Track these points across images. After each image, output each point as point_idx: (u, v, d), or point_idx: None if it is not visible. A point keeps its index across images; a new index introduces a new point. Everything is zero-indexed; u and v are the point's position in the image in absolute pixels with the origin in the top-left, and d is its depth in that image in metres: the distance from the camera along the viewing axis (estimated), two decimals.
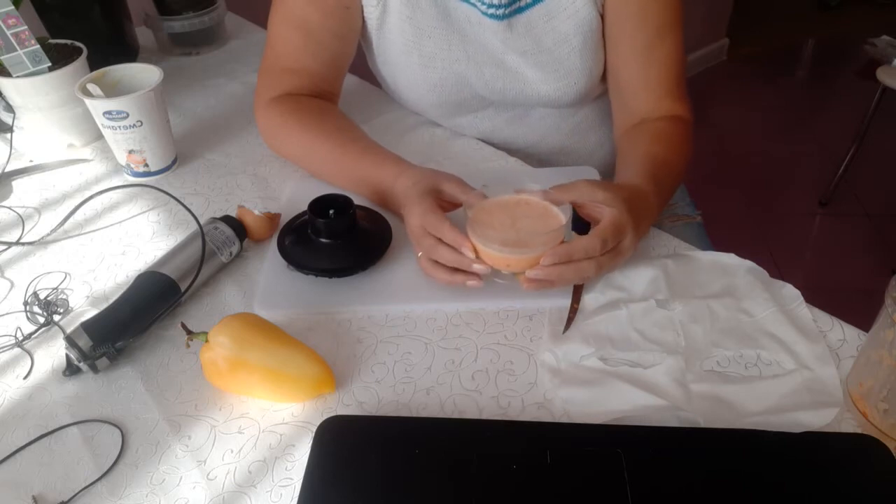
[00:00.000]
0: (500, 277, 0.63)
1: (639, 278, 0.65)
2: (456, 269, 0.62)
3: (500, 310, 0.64)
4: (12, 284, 0.72)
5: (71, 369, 0.60)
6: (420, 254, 0.64)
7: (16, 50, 0.83)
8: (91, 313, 0.63)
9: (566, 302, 0.63)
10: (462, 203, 0.64)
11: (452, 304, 0.64)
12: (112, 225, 0.79)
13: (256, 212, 0.72)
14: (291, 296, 0.66)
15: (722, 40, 3.07)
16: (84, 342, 0.58)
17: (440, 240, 0.62)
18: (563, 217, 0.61)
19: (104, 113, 0.80)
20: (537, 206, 0.63)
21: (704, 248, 0.69)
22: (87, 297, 0.69)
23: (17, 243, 0.77)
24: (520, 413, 0.55)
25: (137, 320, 0.62)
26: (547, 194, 0.62)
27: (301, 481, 0.48)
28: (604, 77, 0.83)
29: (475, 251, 0.60)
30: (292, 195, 0.81)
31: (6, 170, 0.89)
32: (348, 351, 0.61)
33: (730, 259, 0.67)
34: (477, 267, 0.60)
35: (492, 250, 0.59)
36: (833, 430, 0.52)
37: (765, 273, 0.65)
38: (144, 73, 0.85)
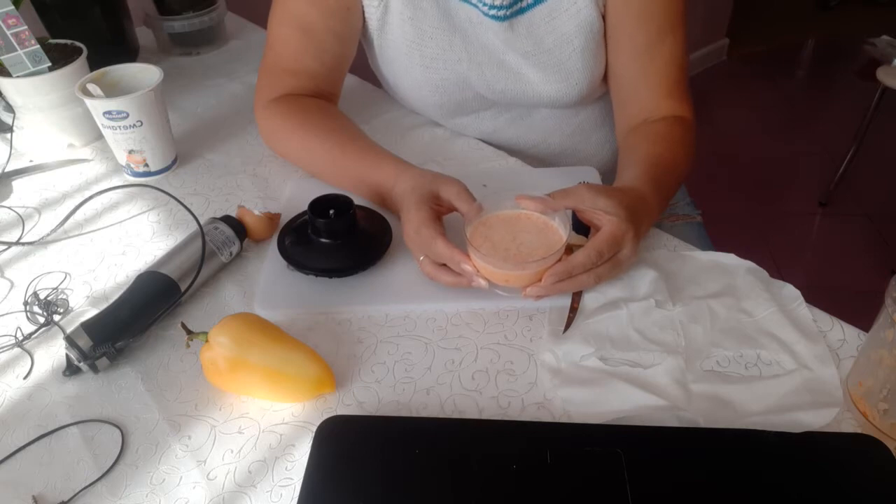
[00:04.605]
0: (500, 290, 0.63)
1: (639, 278, 0.65)
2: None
3: (500, 310, 0.64)
4: (12, 284, 0.72)
5: (71, 369, 0.60)
6: (422, 258, 0.64)
7: (16, 50, 0.83)
8: (91, 313, 0.63)
9: (566, 302, 0.63)
10: (459, 211, 0.64)
11: (452, 304, 0.64)
12: (112, 225, 0.79)
13: (256, 212, 0.72)
14: (291, 296, 0.66)
15: (722, 40, 3.07)
16: (84, 342, 0.58)
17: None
18: (563, 232, 0.61)
19: (104, 113, 0.80)
20: (538, 221, 0.63)
21: (704, 248, 0.69)
22: (87, 297, 0.69)
23: (17, 243, 0.77)
24: (520, 413, 0.55)
25: (137, 320, 0.62)
26: (546, 202, 0.62)
27: (301, 481, 0.48)
28: (605, 78, 0.83)
29: (474, 265, 0.60)
30: (292, 195, 0.81)
31: (6, 170, 0.89)
32: (348, 351, 0.61)
33: (730, 259, 0.67)
34: (477, 281, 0.61)
35: (492, 267, 0.59)
36: (833, 430, 0.52)
37: (765, 273, 0.65)
38: (144, 73, 0.85)
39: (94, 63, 0.88)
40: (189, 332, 0.56)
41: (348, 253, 0.67)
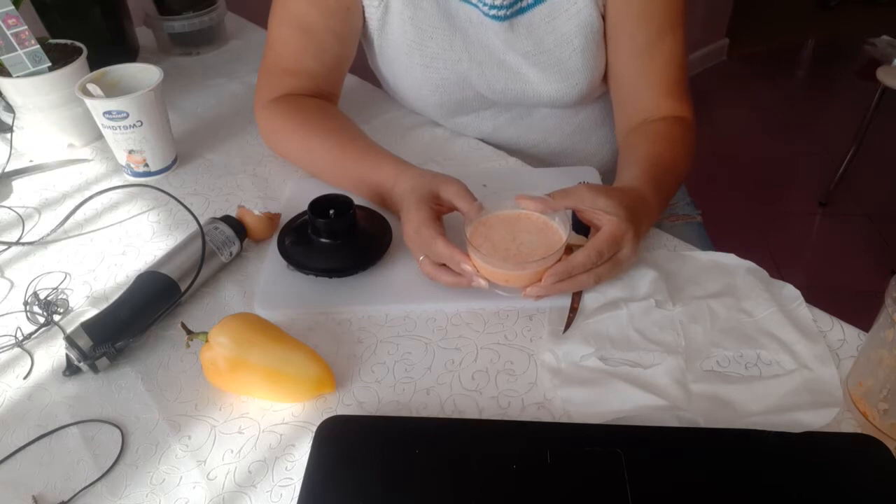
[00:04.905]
0: (500, 289, 0.63)
1: (639, 278, 0.65)
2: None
3: (500, 310, 0.64)
4: (12, 284, 0.72)
5: (71, 369, 0.60)
6: (422, 258, 0.64)
7: (16, 50, 0.83)
8: (91, 313, 0.63)
9: (566, 302, 0.63)
10: (460, 210, 0.64)
11: (452, 304, 0.64)
12: (112, 225, 0.79)
13: (256, 212, 0.72)
14: (291, 296, 0.66)
15: (722, 40, 3.07)
16: (84, 342, 0.58)
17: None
18: (562, 232, 0.61)
19: (104, 113, 0.80)
20: (538, 221, 0.63)
21: (704, 248, 0.69)
22: (87, 297, 0.69)
23: (17, 243, 0.77)
24: (520, 413, 0.55)
25: (137, 320, 0.62)
26: (546, 202, 0.62)
27: (301, 481, 0.48)
28: (605, 78, 0.83)
29: (474, 265, 0.60)
30: (292, 195, 0.81)
31: (6, 170, 0.89)
32: (348, 351, 0.61)
33: (729, 259, 0.67)
34: (477, 281, 0.61)
35: (492, 267, 0.59)
36: (833, 430, 0.52)
37: (765, 273, 0.65)
38: (144, 73, 0.85)
39: (94, 63, 0.88)
40: (189, 332, 0.56)
41: (348, 253, 0.67)
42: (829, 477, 0.47)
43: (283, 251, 0.68)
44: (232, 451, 0.54)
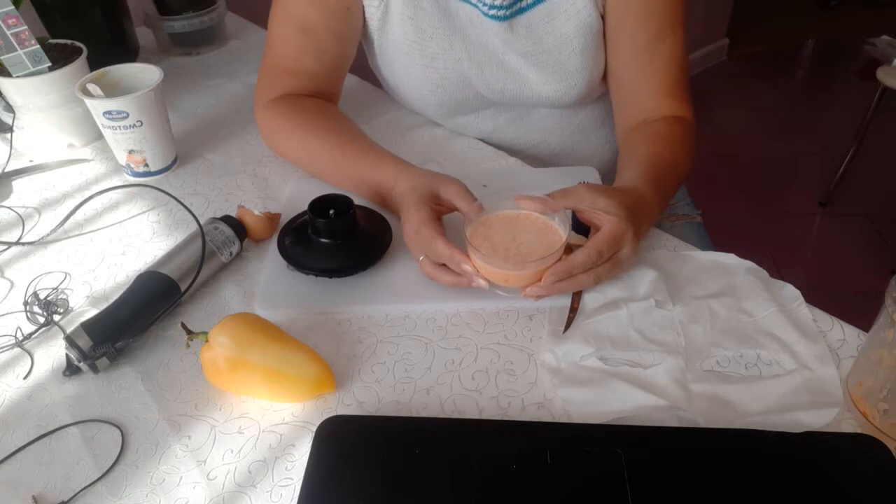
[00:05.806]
0: (500, 289, 0.63)
1: (639, 278, 0.65)
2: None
3: (500, 310, 0.64)
4: (12, 284, 0.72)
5: (71, 369, 0.60)
6: (422, 258, 0.64)
7: (16, 50, 0.83)
8: (91, 313, 0.63)
9: (566, 302, 0.63)
10: (460, 210, 0.64)
11: (452, 304, 0.64)
12: (112, 225, 0.79)
13: (256, 212, 0.72)
14: (291, 296, 0.66)
15: (722, 40, 3.07)
16: (84, 342, 0.58)
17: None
18: (562, 232, 0.61)
19: (104, 113, 0.80)
20: (537, 221, 0.63)
21: (704, 248, 0.69)
22: (87, 297, 0.69)
23: (17, 243, 0.77)
24: (520, 413, 0.55)
25: (137, 320, 0.62)
26: (546, 202, 0.62)
27: (301, 481, 0.48)
28: (605, 78, 0.83)
29: (474, 265, 0.60)
30: (292, 195, 0.81)
31: (6, 170, 0.89)
32: (348, 351, 0.61)
33: (729, 259, 0.67)
34: (477, 281, 0.61)
35: (491, 267, 0.59)
36: (833, 430, 0.52)
37: (765, 273, 0.66)
38: (144, 73, 0.85)
39: (94, 63, 0.88)
40: (189, 332, 0.56)
41: (348, 253, 0.67)
42: (829, 477, 0.47)
43: (283, 251, 0.68)
44: (232, 451, 0.54)
